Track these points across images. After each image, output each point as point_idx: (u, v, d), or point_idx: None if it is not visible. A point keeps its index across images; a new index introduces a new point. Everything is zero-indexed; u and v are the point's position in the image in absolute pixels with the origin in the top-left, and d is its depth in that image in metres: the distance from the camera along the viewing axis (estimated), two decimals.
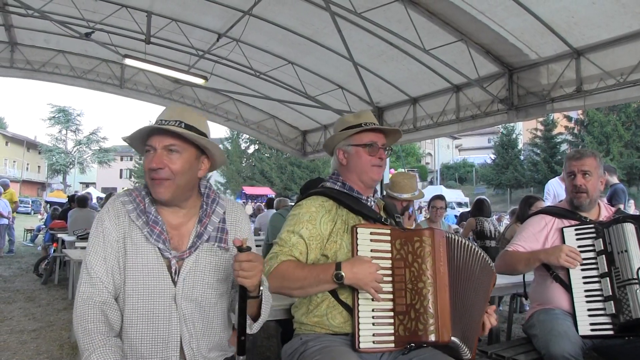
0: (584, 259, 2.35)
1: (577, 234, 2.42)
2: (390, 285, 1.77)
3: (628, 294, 2.20)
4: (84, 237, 6.46)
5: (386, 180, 5.27)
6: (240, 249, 1.44)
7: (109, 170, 49.50)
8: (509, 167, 37.60)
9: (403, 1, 5.81)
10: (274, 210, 7.61)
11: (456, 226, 8.95)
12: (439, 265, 1.76)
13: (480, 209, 6.51)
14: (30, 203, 33.38)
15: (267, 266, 1.84)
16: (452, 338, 1.71)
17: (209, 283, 1.60)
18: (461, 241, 1.87)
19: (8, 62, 9.28)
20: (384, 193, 4.09)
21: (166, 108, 1.65)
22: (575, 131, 32.91)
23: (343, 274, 1.72)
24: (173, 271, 1.55)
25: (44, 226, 12.29)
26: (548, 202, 5.75)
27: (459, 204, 30.95)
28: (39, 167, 53.16)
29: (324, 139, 11.15)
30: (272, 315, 2.12)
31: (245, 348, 1.52)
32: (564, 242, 2.43)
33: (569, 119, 32.48)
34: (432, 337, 1.69)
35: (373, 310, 1.75)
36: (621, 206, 5.04)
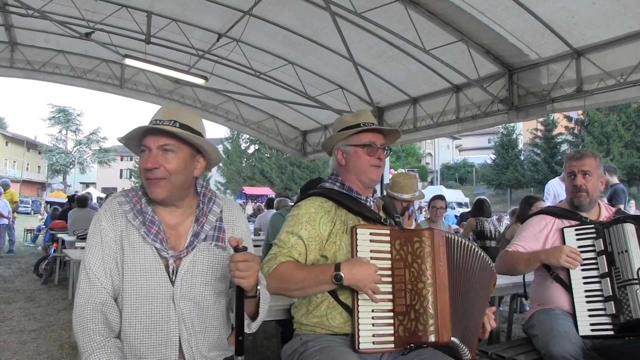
0: (584, 259, 2.35)
1: (577, 234, 2.42)
2: (390, 285, 1.77)
3: (628, 294, 2.20)
4: (84, 237, 6.44)
5: (386, 180, 5.28)
6: (236, 249, 1.44)
7: (109, 170, 49.51)
8: (509, 168, 37.61)
9: (403, 1, 5.81)
10: (274, 211, 7.60)
11: (456, 226, 8.95)
12: (438, 266, 1.75)
13: (480, 209, 6.51)
14: (30, 203, 33.37)
15: (265, 267, 1.83)
16: (452, 338, 1.71)
17: (207, 282, 1.60)
18: (461, 241, 1.86)
19: (8, 62, 9.28)
20: (384, 193, 4.09)
21: (161, 107, 1.65)
22: (576, 131, 32.92)
23: (342, 274, 1.72)
24: (171, 271, 1.55)
25: (44, 226, 12.29)
26: (548, 202, 5.75)
27: (459, 204, 30.94)
28: (39, 167, 53.18)
29: (324, 139, 11.12)
30: (272, 315, 2.12)
31: (244, 348, 1.52)
32: (564, 242, 2.43)
33: (569, 119, 32.49)
34: (432, 338, 1.68)
35: (373, 311, 1.75)
36: (621, 206, 5.03)
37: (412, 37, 6.11)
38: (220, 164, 40.12)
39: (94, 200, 15.93)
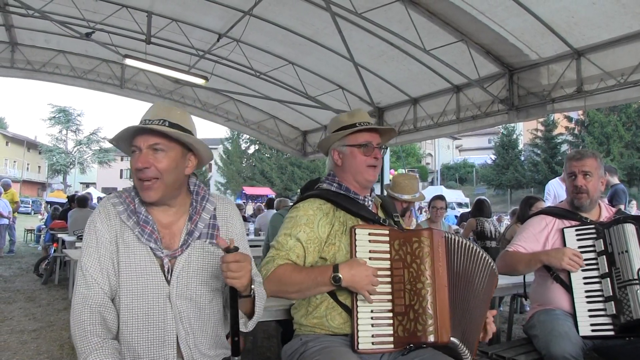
0: (585, 259, 2.34)
1: (577, 235, 2.42)
2: (389, 286, 1.77)
3: (629, 294, 2.19)
4: None
5: (386, 181, 5.27)
6: (227, 250, 1.43)
7: (109, 170, 49.47)
8: (510, 168, 37.61)
9: (403, 1, 5.81)
10: (274, 211, 7.59)
11: (456, 226, 8.96)
12: (437, 266, 1.75)
13: (480, 209, 6.51)
14: (31, 203, 33.44)
15: (263, 270, 1.83)
16: (452, 338, 1.70)
17: (202, 280, 1.60)
18: (460, 241, 1.85)
19: (8, 62, 9.28)
20: (385, 193, 4.09)
21: (150, 107, 1.65)
22: (576, 132, 32.93)
23: (341, 276, 1.72)
24: (166, 270, 1.55)
25: (44, 226, 12.29)
26: (548, 202, 5.75)
27: (459, 205, 30.91)
28: (39, 167, 53.20)
29: None
30: (272, 316, 2.12)
31: (239, 348, 1.51)
32: (564, 242, 2.42)
33: (570, 119, 32.48)
34: (431, 338, 1.68)
35: (372, 311, 1.74)
36: (622, 207, 5.04)
37: (413, 37, 6.11)
38: (221, 164, 40.19)
39: (94, 201, 15.91)
